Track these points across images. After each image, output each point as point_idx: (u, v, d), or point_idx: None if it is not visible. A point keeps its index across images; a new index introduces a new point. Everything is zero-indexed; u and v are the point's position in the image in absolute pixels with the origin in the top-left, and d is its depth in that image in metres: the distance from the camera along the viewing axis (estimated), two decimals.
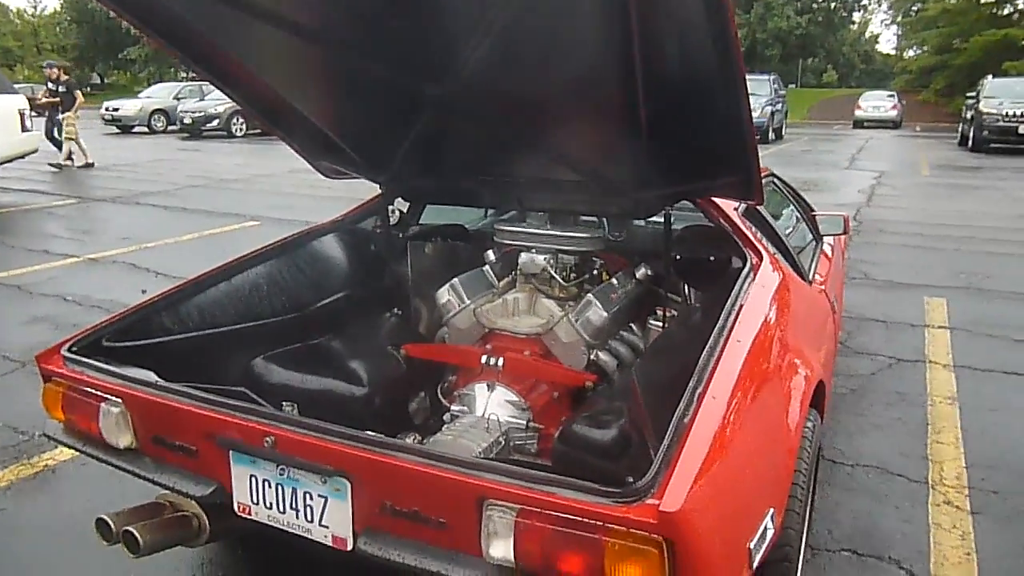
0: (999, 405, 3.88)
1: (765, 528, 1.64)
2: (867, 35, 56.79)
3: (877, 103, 29.35)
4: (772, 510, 1.69)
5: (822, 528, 2.76)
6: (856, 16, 50.68)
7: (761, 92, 21.14)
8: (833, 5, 46.59)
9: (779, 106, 22.35)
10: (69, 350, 2.11)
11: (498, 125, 2.34)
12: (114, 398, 1.95)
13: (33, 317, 5.31)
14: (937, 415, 3.76)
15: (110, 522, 1.93)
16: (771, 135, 21.16)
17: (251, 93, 2.48)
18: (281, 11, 2.02)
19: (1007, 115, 17.37)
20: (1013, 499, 3.00)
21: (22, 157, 10.34)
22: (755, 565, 1.58)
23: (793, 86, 40.17)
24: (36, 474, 3.16)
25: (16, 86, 12.67)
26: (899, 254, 7.39)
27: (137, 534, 1.90)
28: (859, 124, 28.66)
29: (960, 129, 20.88)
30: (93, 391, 1.99)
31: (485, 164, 2.61)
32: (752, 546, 1.57)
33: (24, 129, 10.05)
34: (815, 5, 45.38)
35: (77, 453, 3.09)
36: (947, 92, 33.93)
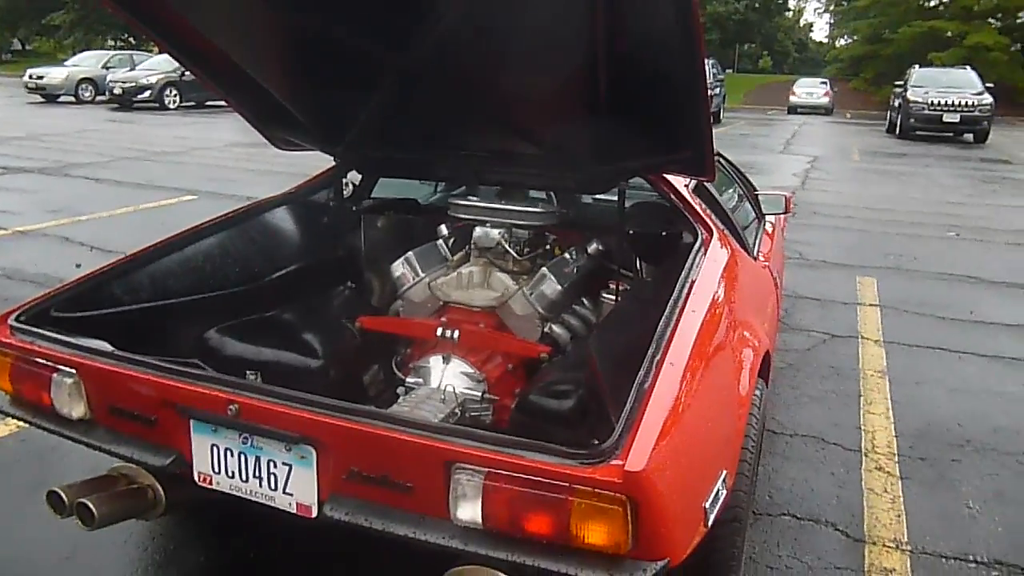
0: (925, 378, 4.09)
1: (718, 489, 1.71)
2: (801, 23, 58.17)
3: (810, 90, 30.11)
4: (725, 472, 1.77)
5: (763, 493, 2.88)
6: (791, 3, 51.84)
7: None
8: None
9: (718, 90, 22.71)
10: (17, 319, 2.05)
11: (456, 97, 2.35)
12: (67, 368, 1.91)
13: None
14: (869, 388, 3.94)
15: (62, 494, 1.90)
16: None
17: (202, 57, 2.42)
18: None
19: (932, 104, 18.06)
20: (938, 465, 3.18)
21: None
22: (709, 524, 1.65)
23: (730, 71, 40.89)
24: None
25: None
26: (831, 235, 7.65)
27: (92, 506, 1.88)
28: (793, 110, 29.37)
29: (888, 117, 21.59)
30: (44, 361, 1.95)
31: (442, 137, 2.61)
32: (707, 506, 1.64)
33: None
34: None
35: (16, 427, 3.04)
36: (876, 81, 35.01)
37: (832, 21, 49.51)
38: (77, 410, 1.94)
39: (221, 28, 2.29)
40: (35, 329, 2.01)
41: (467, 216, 2.89)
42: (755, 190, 3.99)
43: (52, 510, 1.91)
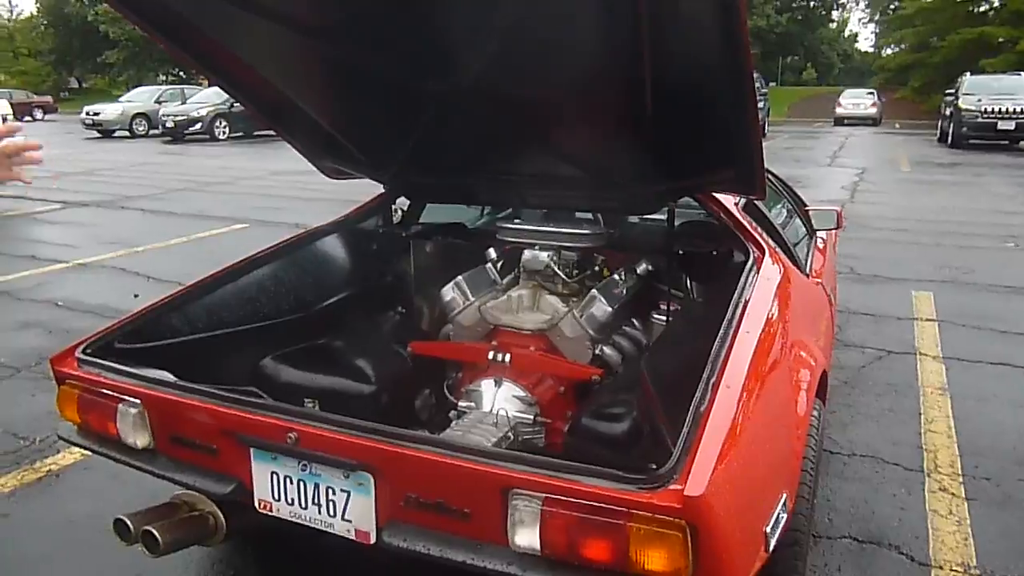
0: (988, 394, 3.96)
1: (779, 512, 1.68)
2: (846, 33, 57.38)
3: (857, 100, 29.66)
4: (785, 495, 1.74)
5: (822, 516, 2.81)
6: (835, 14, 51.24)
7: None
8: (812, 3, 47.03)
9: (762, 104, 22.48)
10: (84, 352, 2.12)
11: (502, 122, 2.37)
12: (132, 399, 1.96)
13: (24, 323, 5.28)
14: (929, 405, 3.83)
15: (128, 522, 1.94)
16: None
17: (254, 91, 2.50)
18: (285, 8, 2.04)
19: (986, 111, 17.61)
20: (1005, 485, 3.08)
21: None
22: (770, 547, 1.62)
23: (773, 84, 40.48)
24: (39, 479, 3.15)
25: None
26: (883, 249, 7.49)
27: (156, 533, 1.92)
28: (839, 122, 28.94)
29: (939, 126, 21.14)
30: (110, 392, 2.00)
31: (489, 161, 2.64)
32: (768, 530, 1.61)
33: None
34: (794, 4, 45.78)
35: (80, 458, 3.13)
36: (925, 90, 34.33)
37: (877, 30, 48.80)
38: (141, 439, 1.99)
39: (270, 62, 2.35)
40: (101, 361, 2.08)
41: (515, 239, 2.91)
42: (805, 205, 3.94)
43: (119, 538, 1.96)
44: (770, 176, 3.82)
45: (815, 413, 2.08)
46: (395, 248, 3.09)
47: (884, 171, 14.55)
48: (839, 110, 29.29)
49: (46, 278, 6.47)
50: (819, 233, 3.81)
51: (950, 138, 18.82)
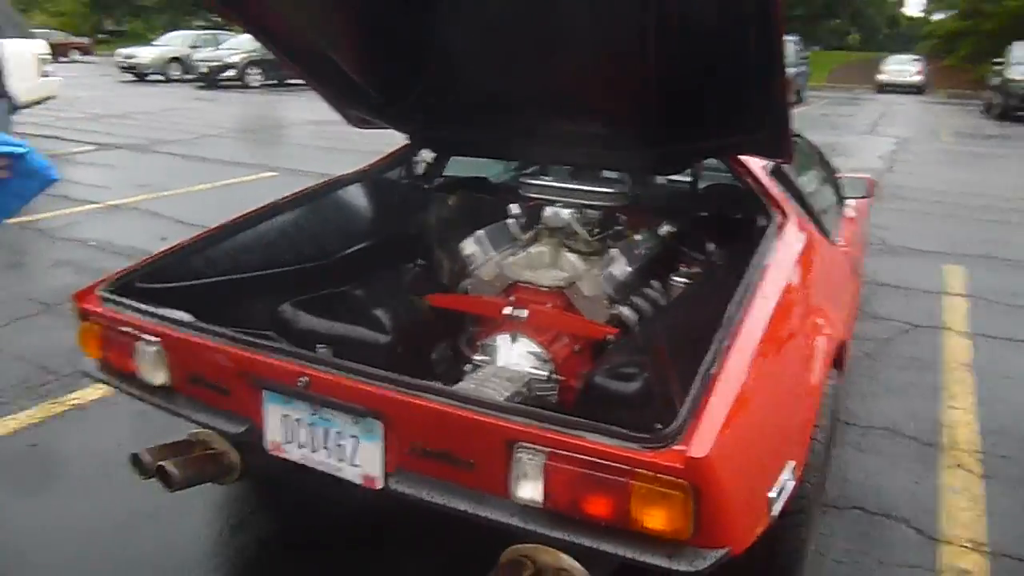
0: (1014, 373, 3.90)
1: (785, 480, 1.68)
2: None
3: (901, 67, 28.82)
4: (792, 463, 1.73)
5: (833, 486, 2.81)
6: None
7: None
8: None
9: (801, 68, 21.98)
10: (106, 290, 2.15)
11: (528, 77, 2.34)
12: (151, 337, 2.00)
13: (56, 261, 5.38)
14: (952, 380, 3.78)
15: (145, 457, 1.99)
16: (792, 97, 20.84)
17: (282, 38, 2.48)
18: None
19: None
20: None
21: (40, 103, 10.34)
22: (774, 514, 1.62)
23: (815, 48, 39.42)
24: (65, 412, 3.24)
25: (33, 30, 12.60)
26: (918, 221, 7.36)
27: (171, 469, 1.96)
28: (882, 89, 28.17)
29: (986, 96, 20.51)
30: (130, 330, 2.04)
31: (512, 116, 2.61)
32: (773, 496, 1.61)
33: (42, 75, 10.02)
34: None
35: (104, 392, 3.20)
36: (973, 58, 33.13)
37: None
38: (159, 377, 2.03)
39: (300, 9, 2.33)
40: (122, 299, 2.11)
41: (538, 195, 2.88)
42: (836, 173, 3.86)
43: (136, 471, 2.01)
44: (800, 141, 3.75)
45: (830, 382, 2.06)
46: (417, 200, 3.09)
47: (925, 141, 14.20)
48: (882, 77, 28.50)
49: (78, 218, 6.57)
50: (850, 202, 3.74)
51: (997, 109, 18.26)
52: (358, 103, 2.76)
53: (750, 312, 1.79)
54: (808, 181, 3.26)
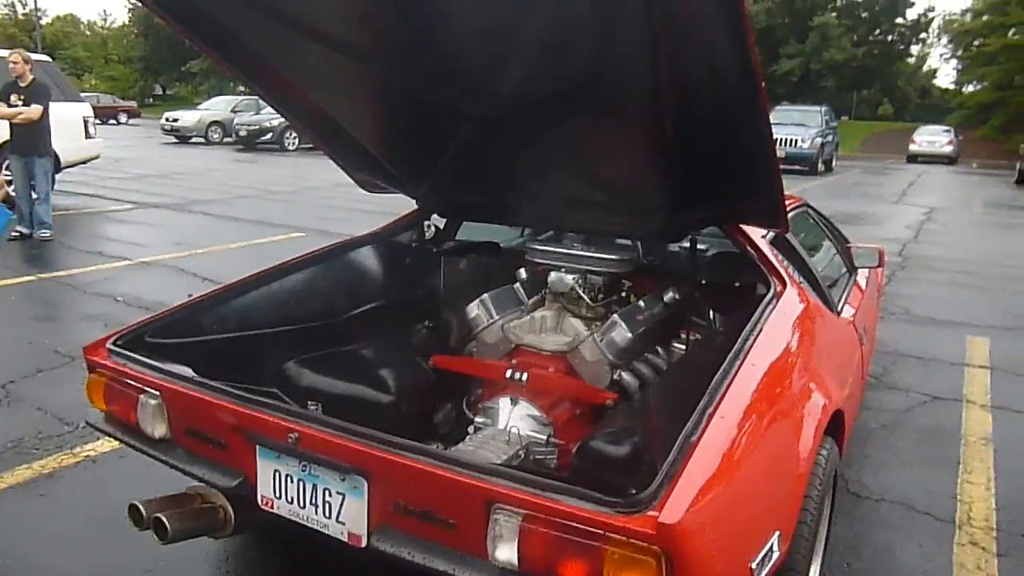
0: None
1: (770, 549, 1.66)
2: (925, 69, 55.89)
3: (932, 138, 28.84)
4: (779, 533, 1.72)
5: (841, 560, 2.75)
6: (914, 49, 49.98)
7: (811, 123, 20.95)
8: (891, 38, 45.96)
9: (830, 138, 22.11)
10: (114, 343, 2.22)
11: (531, 145, 2.42)
12: (152, 390, 2.06)
13: (85, 315, 5.53)
14: (970, 455, 3.70)
15: (141, 508, 2.03)
16: (820, 167, 20.92)
17: (296, 107, 2.60)
18: (325, 30, 2.13)
19: None
20: None
21: (85, 163, 10.76)
22: None
23: (846, 118, 39.66)
24: (78, 463, 3.30)
25: (83, 94, 13.18)
26: (943, 291, 7.27)
27: (166, 521, 2.00)
28: (913, 159, 28.17)
29: (1018, 167, 20.40)
30: (133, 383, 2.10)
31: (519, 183, 2.69)
32: (754, 566, 1.60)
33: (88, 136, 10.46)
34: (872, 37, 44.84)
35: (117, 445, 3.25)
36: (1006, 129, 33.19)
37: (959, 67, 47.39)
38: (159, 430, 2.08)
39: (312, 80, 2.45)
40: (128, 353, 2.18)
41: (544, 260, 2.94)
42: (847, 243, 3.87)
43: (132, 522, 2.04)
44: (811, 212, 3.79)
45: (823, 452, 2.04)
46: (426, 263, 3.16)
47: (954, 211, 14.11)
48: (913, 147, 28.52)
49: (110, 274, 6.76)
50: (862, 272, 3.74)
51: None
52: (368, 169, 2.86)
53: (736, 379, 1.80)
54: (815, 250, 3.28)
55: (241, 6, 2.09)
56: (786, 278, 2.47)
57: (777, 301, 2.30)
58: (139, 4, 2.11)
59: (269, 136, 22.05)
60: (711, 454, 1.56)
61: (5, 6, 57.49)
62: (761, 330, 2.07)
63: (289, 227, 9.33)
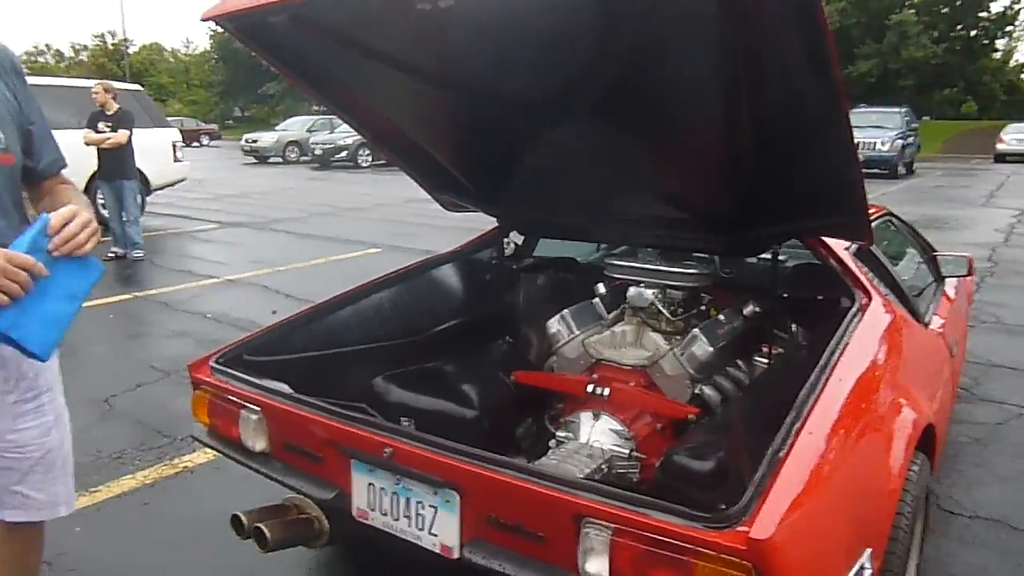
0: None
1: (862, 567, 1.65)
2: (1012, 63, 53.53)
3: (1022, 136, 27.56)
4: (870, 551, 1.70)
5: None
6: (1000, 43, 47.91)
7: (890, 125, 20.31)
8: (974, 33, 44.18)
9: (910, 140, 21.38)
10: (216, 362, 2.35)
11: (609, 162, 2.45)
12: (253, 406, 2.17)
13: (177, 331, 5.80)
14: None
15: (243, 518, 2.13)
16: (901, 169, 20.25)
17: (379, 130, 2.72)
18: (405, 58, 2.22)
19: None
20: None
21: (173, 185, 11.28)
22: None
23: (927, 118, 38.25)
24: (177, 474, 3.47)
25: (168, 118, 13.83)
26: None
27: (266, 531, 2.10)
28: (1001, 158, 26.91)
29: None
30: (235, 399, 2.22)
31: (595, 200, 2.72)
32: None
33: (175, 159, 10.97)
34: (953, 33, 43.18)
35: (213, 456, 3.42)
36: None
37: None
38: (259, 444, 2.19)
39: (394, 104, 2.56)
40: (230, 370, 2.30)
41: (622, 275, 2.96)
42: (934, 251, 3.77)
43: (234, 531, 2.15)
44: (894, 221, 3.70)
45: (915, 468, 2.01)
46: (506, 279, 3.22)
47: None
48: (1001, 146, 27.25)
49: (199, 292, 7.07)
50: (950, 281, 3.63)
51: None
52: (449, 189, 2.95)
53: (824, 394, 1.79)
54: (898, 259, 3.22)
55: (325, 39, 2.20)
56: (871, 290, 2.43)
57: (862, 314, 2.27)
58: (222, 31, 2.24)
59: (343, 154, 22.66)
60: (800, 470, 1.56)
61: (95, 38, 60.72)
62: (847, 343, 2.06)
63: (364, 243, 9.57)
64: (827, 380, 1.86)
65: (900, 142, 20.04)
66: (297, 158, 25.07)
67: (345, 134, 22.97)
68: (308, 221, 11.71)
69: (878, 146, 19.20)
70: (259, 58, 2.38)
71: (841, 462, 1.70)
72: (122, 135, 8.03)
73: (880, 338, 2.22)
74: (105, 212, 8.66)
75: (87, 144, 7.97)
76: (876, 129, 19.52)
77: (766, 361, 2.75)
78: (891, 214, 3.68)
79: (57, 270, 1.52)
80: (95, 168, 8.30)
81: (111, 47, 59.37)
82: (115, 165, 8.16)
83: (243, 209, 13.04)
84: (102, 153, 8.11)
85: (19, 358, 1.63)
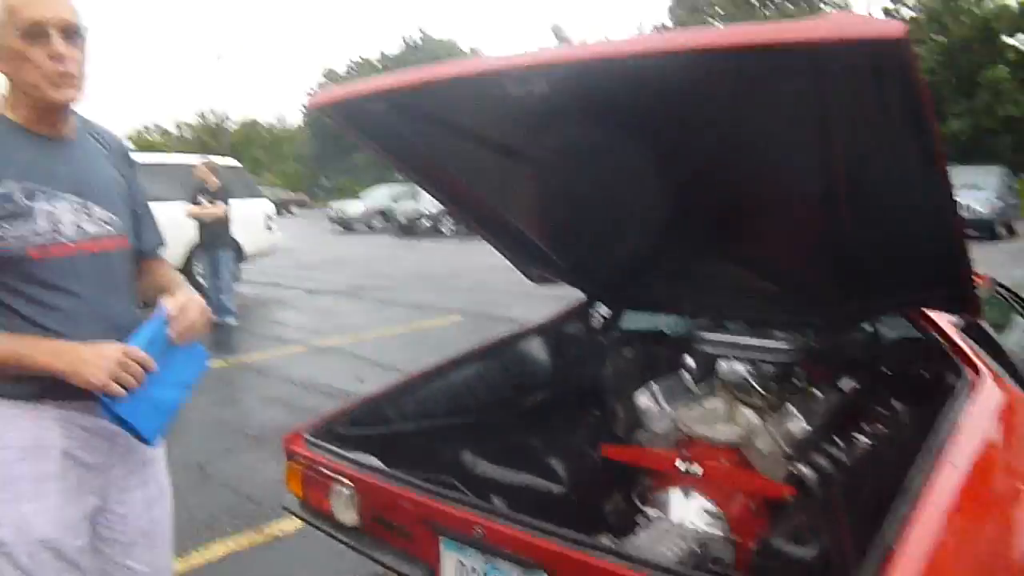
0: None
1: None
2: None
3: None
4: None
5: None
6: None
7: (987, 185, 19.56)
8: None
9: (1011, 201, 20.55)
10: (310, 434, 2.40)
11: (699, 237, 2.44)
12: (346, 480, 2.20)
13: (267, 398, 5.96)
14: None
15: None
16: (1000, 231, 19.42)
17: (468, 207, 2.78)
18: (498, 138, 2.28)
19: None
20: None
21: (265, 254, 11.77)
22: None
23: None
24: (267, 542, 3.53)
25: (260, 187, 14.52)
26: None
27: None
28: None
29: None
30: (328, 472, 2.26)
31: (684, 274, 2.70)
32: None
33: (268, 229, 11.47)
34: None
35: (301, 525, 3.45)
36: None
37: None
38: (350, 518, 2.21)
39: (483, 180, 2.62)
40: (323, 444, 2.35)
41: (712, 349, 2.90)
42: None
43: None
44: (1003, 292, 3.53)
45: None
46: (593, 352, 3.20)
47: None
48: None
49: (289, 358, 7.28)
50: None
51: None
52: (536, 262, 2.98)
53: (936, 480, 1.70)
54: (1012, 333, 3.06)
55: (419, 123, 2.28)
56: (980, 366, 2.31)
57: (972, 392, 2.15)
58: (314, 111, 2.35)
59: (427, 222, 23.23)
60: (912, 564, 1.47)
61: (198, 116, 64.80)
62: (957, 425, 1.95)
63: (448, 310, 9.71)
64: (938, 465, 1.76)
65: (1000, 202, 19.27)
66: (382, 226, 25.83)
67: (429, 202, 23.59)
68: (393, 289, 11.98)
69: (974, 207, 18.49)
70: (359, 142, 2.49)
71: (957, 556, 1.60)
72: (221, 208, 8.48)
73: (993, 418, 2.10)
74: (202, 280, 9.09)
75: (188, 217, 8.44)
76: (972, 190, 18.83)
77: (866, 440, 2.63)
78: (999, 284, 3.51)
79: (171, 359, 1.61)
80: (196, 239, 8.77)
81: (212, 125, 63.13)
82: (213, 237, 8.62)
83: (331, 276, 13.47)
84: (202, 225, 8.57)
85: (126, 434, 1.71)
